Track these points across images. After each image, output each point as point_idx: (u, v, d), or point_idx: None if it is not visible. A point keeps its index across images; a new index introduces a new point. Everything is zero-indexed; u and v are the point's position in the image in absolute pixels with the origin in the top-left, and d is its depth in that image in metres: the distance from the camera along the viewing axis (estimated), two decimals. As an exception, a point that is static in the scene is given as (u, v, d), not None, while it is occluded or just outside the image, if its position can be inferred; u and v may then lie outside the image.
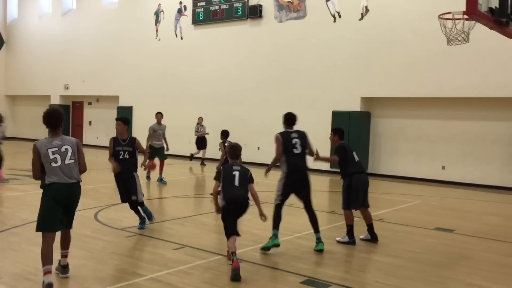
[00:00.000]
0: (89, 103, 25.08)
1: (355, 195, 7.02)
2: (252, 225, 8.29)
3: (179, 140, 20.11)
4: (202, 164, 17.48)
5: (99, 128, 24.09)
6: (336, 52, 16.33)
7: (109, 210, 8.92)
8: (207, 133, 17.62)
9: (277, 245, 6.49)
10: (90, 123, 24.99)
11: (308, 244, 6.94)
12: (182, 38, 20.56)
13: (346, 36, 16.10)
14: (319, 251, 6.50)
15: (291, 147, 6.60)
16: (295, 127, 6.88)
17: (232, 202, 5.68)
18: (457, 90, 14.09)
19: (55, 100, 25.54)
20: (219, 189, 5.84)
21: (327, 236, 7.15)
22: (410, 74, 14.80)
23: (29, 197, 9.87)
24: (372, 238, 7.23)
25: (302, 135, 6.78)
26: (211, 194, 6.38)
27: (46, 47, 25.94)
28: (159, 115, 12.92)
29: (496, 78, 13.47)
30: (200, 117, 17.82)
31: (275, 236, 6.52)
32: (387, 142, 15.69)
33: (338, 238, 7.13)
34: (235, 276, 5.25)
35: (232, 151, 6.04)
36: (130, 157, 7.47)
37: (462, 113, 14.48)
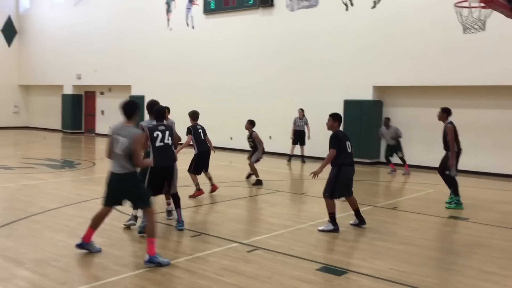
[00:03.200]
0: (102, 93, 25.24)
1: (340, 186, 7.04)
2: (267, 213, 8.40)
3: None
4: (303, 161, 15.95)
5: (111, 117, 24.25)
6: (348, 40, 16.26)
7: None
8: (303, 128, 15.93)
9: None
10: (102, 112, 25.17)
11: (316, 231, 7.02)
12: (193, 28, 20.57)
13: (358, 24, 16.02)
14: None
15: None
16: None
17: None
18: (470, 78, 13.99)
19: (68, 90, 25.75)
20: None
21: (342, 224, 7.22)
22: (423, 62, 14.71)
23: (46, 185, 10.04)
24: (360, 222, 7.35)
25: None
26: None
27: (58, 37, 26.07)
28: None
29: (511, 66, 13.35)
30: (300, 109, 16.07)
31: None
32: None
33: (320, 227, 7.10)
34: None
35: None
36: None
37: (475, 101, 14.39)
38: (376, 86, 15.88)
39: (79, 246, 5.68)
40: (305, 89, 17.22)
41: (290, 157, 16.06)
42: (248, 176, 11.63)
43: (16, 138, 22.82)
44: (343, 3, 16.38)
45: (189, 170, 9.55)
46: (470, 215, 8.57)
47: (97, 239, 5.95)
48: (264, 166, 14.81)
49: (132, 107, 5.62)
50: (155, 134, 6.60)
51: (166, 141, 6.64)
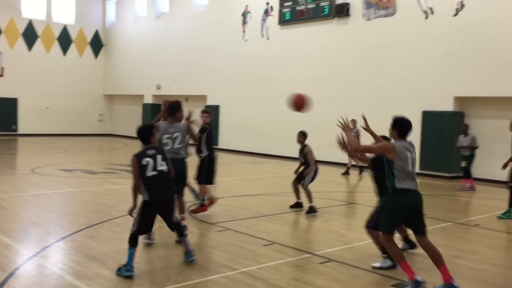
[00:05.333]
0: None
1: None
2: (340, 225, 8.27)
3: (264, 139, 20.43)
4: (361, 172, 15.50)
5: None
6: (427, 49, 15.71)
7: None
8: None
9: None
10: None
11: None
12: (268, 39, 20.81)
13: (439, 33, 15.44)
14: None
15: None
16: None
17: None
18: None
19: (148, 100, 26.94)
20: None
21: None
22: (508, 72, 13.90)
23: (127, 190, 10.53)
24: (411, 245, 6.47)
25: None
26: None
27: (140, 49, 27.43)
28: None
29: None
30: (353, 119, 15.23)
31: None
32: (483, 144, 14.81)
33: (376, 264, 5.79)
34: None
35: None
36: None
37: None
38: (457, 97, 15.19)
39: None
40: (381, 100, 16.83)
41: (347, 168, 15.62)
42: (296, 205, 9.30)
43: (100, 145, 24.21)
44: (423, 11, 15.88)
45: (199, 180, 8.33)
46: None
47: (172, 244, 6.11)
48: (335, 177, 14.63)
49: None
50: (144, 162, 5.38)
51: (159, 167, 5.41)
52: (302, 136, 9.60)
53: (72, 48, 28.91)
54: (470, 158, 12.77)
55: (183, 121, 6.99)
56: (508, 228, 8.38)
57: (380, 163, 5.41)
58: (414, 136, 15.87)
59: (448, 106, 15.23)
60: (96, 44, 29.91)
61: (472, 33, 14.68)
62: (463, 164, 12.84)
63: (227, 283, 5.13)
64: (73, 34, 28.86)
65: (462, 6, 14.96)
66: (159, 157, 5.46)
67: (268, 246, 6.66)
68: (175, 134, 6.78)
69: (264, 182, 13.23)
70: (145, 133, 5.58)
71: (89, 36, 29.55)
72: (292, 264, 5.88)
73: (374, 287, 5.20)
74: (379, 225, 5.35)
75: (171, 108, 6.84)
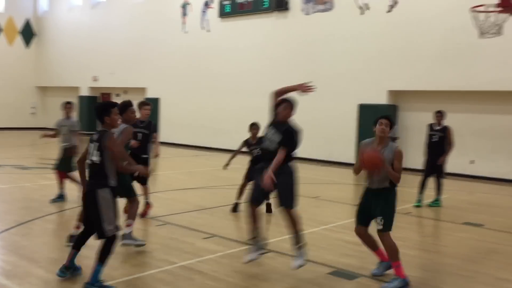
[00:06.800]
0: (117, 95, 25.47)
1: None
2: (279, 217, 8.38)
3: (205, 132, 20.33)
4: None
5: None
6: (363, 44, 16.20)
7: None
8: None
9: None
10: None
11: (336, 236, 6.99)
12: (209, 31, 20.67)
13: (374, 29, 15.95)
14: None
15: None
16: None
17: None
18: (487, 83, 13.83)
19: (84, 92, 26.03)
20: None
21: (351, 228, 7.16)
22: (439, 67, 14.60)
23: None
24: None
25: None
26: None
27: (76, 39, 26.39)
28: (67, 106, 8.82)
29: (529, 72, 13.19)
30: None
31: None
32: (414, 136, 15.50)
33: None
34: None
35: None
36: None
37: (492, 107, 14.23)
38: (391, 90, 15.79)
39: None
40: (319, 93, 17.13)
41: None
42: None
43: (33, 139, 23.13)
44: (359, 7, 16.34)
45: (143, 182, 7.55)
46: (486, 221, 8.46)
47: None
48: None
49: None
50: (89, 147, 4.79)
51: (91, 157, 4.69)
52: (257, 128, 8.88)
53: (1, 37, 27.38)
54: None
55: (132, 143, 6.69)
56: (436, 215, 8.84)
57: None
58: (351, 129, 16.41)
59: (382, 99, 15.80)
60: (27, 33, 28.46)
61: (404, 30, 15.28)
62: None
63: (165, 277, 5.08)
64: (1, 22, 27.32)
65: (396, 3, 15.52)
66: (92, 145, 4.69)
67: (208, 239, 6.65)
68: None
69: (205, 175, 13.18)
70: (98, 112, 4.78)
71: (19, 25, 28.08)
72: (232, 256, 5.91)
73: (311, 275, 5.32)
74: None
75: (120, 107, 6.10)
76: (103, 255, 4.59)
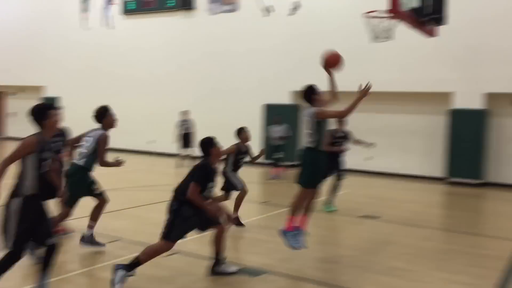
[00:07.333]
0: (13, 94, 23.78)
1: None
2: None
3: (110, 132, 19.60)
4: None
5: (24, 120, 22.91)
6: (268, 46, 16.59)
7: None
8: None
9: None
10: (13, 114, 23.69)
11: (240, 234, 7.09)
12: (112, 28, 19.99)
13: (278, 31, 16.40)
14: None
15: None
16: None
17: None
18: (381, 84, 14.69)
19: (-27, 90, 23.99)
20: None
21: (259, 225, 7.34)
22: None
23: None
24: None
25: None
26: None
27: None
28: None
29: (416, 74, 14.30)
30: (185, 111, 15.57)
31: None
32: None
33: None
34: None
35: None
36: None
37: (385, 106, 15.25)
38: (295, 91, 16.31)
39: None
40: (226, 93, 17.34)
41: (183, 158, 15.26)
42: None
43: None
44: (263, 8, 16.69)
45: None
46: (381, 214, 9.06)
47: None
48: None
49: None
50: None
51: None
52: (247, 133, 7.75)
53: None
54: (283, 148, 13.67)
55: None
56: (338, 211, 9.28)
57: None
58: (256, 129, 16.71)
59: (286, 99, 16.29)
60: None
61: (306, 31, 15.88)
62: (279, 154, 13.54)
63: (65, 286, 4.86)
64: None
65: (298, 6, 16.07)
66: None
67: (112, 243, 6.45)
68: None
69: (110, 177, 12.68)
70: (35, 115, 4.38)
71: None
72: (136, 260, 5.77)
73: (218, 275, 5.36)
74: None
75: (96, 115, 6.50)
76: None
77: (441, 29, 8.97)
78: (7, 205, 4.22)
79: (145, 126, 18.77)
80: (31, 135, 4.31)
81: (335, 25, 15.37)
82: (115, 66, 19.76)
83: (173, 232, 4.92)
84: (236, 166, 7.57)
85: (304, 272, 5.57)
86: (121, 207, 8.80)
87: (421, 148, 14.80)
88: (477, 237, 7.86)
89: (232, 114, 16.50)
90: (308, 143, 5.82)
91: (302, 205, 5.86)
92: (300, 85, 17.69)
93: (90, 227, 6.21)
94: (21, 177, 4.24)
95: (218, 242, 5.28)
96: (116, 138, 20.34)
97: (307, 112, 5.92)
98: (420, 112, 14.81)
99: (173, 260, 5.76)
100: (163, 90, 18.70)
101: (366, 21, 8.28)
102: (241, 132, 7.66)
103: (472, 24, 13.53)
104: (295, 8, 16.10)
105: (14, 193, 4.23)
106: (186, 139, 15.33)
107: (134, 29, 19.42)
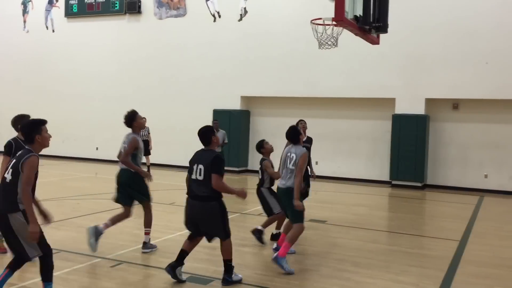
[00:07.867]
0: None
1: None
2: (133, 225, 8.16)
3: (52, 139, 18.88)
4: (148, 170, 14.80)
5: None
6: (216, 51, 16.56)
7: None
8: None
9: None
10: None
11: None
12: (53, 31, 19.34)
13: (226, 36, 16.41)
14: None
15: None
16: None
17: None
18: (327, 90, 15.11)
19: None
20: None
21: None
22: (285, 75, 15.54)
23: None
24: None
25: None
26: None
27: None
28: None
29: (361, 80, 14.70)
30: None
31: None
32: (265, 139, 16.30)
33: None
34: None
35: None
36: None
37: (332, 112, 15.58)
38: (243, 96, 16.37)
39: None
40: (175, 98, 17.15)
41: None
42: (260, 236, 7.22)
43: None
44: (211, 14, 16.67)
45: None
46: (329, 217, 9.20)
47: None
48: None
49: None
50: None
51: (7, 174, 4.33)
52: (268, 143, 7.48)
53: None
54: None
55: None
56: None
57: None
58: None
59: (236, 105, 16.31)
60: None
61: (254, 38, 15.99)
62: None
63: (3, 301, 4.60)
64: None
65: (246, 12, 16.16)
66: (13, 160, 4.32)
67: (54, 254, 6.17)
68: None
69: (52, 186, 12.26)
70: (27, 130, 4.49)
71: None
72: (80, 272, 5.58)
73: (165, 283, 5.26)
74: None
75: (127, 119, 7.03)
76: (46, 273, 4.47)
77: (385, 37, 9.28)
78: (7, 220, 4.24)
79: (91, 132, 18.23)
80: (32, 154, 4.26)
81: (283, 32, 15.57)
82: (58, 70, 19.11)
83: (228, 226, 5.28)
84: (272, 181, 7.33)
85: (252, 278, 5.55)
86: (64, 217, 8.48)
87: (367, 152, 15.20)
88: (420, 238, 8.14)
89: (181, 120, 16.35)
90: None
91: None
92: (249, 91, 17.97)
93: (106, 225, 6.47)
94: (14, 193, 4.22)
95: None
96: (59, 145, 19.77)
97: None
98: (365, 118, 15.22)
99: (120, 270, 5.59)
100: (109, 96, 18.24)
101: (312, 29, 8.42)
102: (263, 145, 7.45)
103: (414, 33, 14.09)
104: (242, 14, 16.15)
105: (12, 208, 4.21)
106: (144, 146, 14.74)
107: (78, 32, 18.87)
